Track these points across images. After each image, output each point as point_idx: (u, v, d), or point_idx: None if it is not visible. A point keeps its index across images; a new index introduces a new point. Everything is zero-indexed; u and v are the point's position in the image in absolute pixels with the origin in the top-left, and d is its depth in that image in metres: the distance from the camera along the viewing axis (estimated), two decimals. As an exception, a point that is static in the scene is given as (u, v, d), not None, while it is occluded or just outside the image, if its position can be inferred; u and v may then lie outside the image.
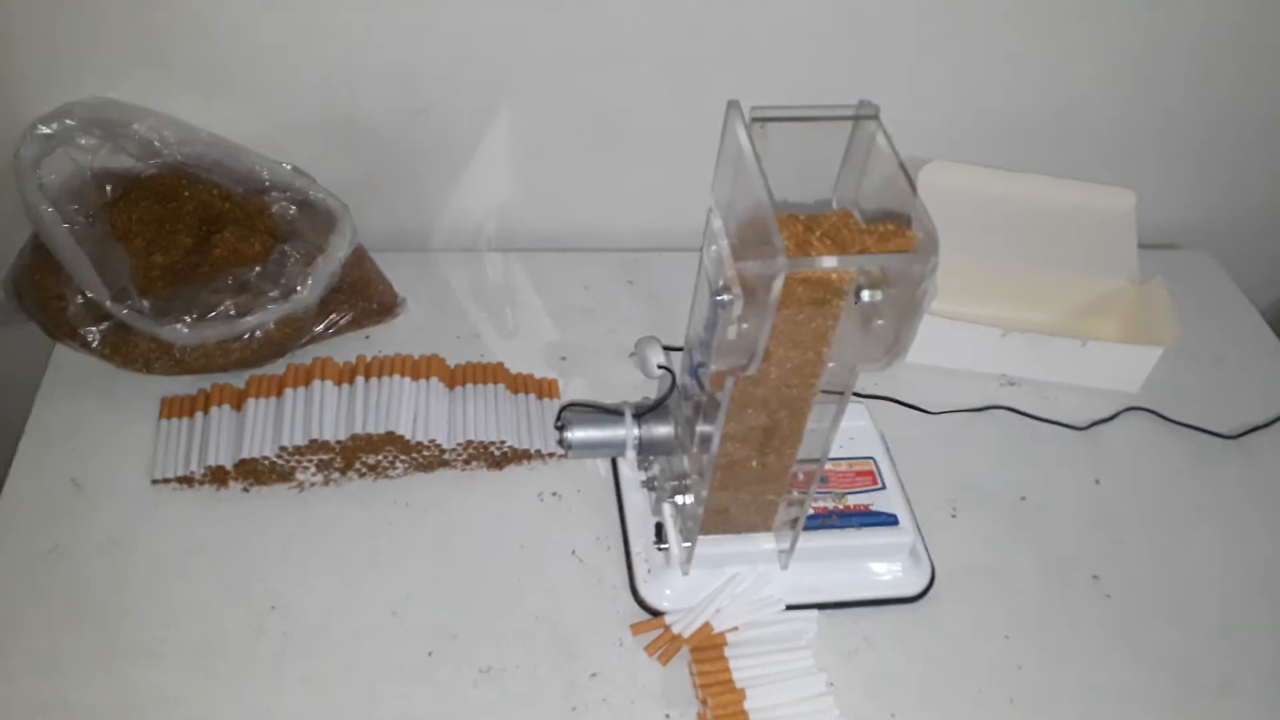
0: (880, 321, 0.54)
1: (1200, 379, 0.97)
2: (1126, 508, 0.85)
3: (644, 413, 0.70)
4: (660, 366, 0.70)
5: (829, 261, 0.49)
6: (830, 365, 0.60)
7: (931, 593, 0.77)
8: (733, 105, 0.52)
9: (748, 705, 0.68)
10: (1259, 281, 1.10)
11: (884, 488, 0.79)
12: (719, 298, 0.53)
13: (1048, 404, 0.93)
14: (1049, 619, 0.77)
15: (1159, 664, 0.75)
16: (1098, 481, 0.87)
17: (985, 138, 1.01)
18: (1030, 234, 0.99)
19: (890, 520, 0.77)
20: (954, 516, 0.83)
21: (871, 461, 0.81)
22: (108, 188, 0.85)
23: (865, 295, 0.54)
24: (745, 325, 0.53)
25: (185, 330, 0.79)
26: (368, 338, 0.91)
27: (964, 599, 0.78)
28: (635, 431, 0.70)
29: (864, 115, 0.54)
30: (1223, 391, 0.96)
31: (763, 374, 0.61)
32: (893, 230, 0.50)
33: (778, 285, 0.48)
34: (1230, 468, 0.90)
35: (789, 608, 0.75)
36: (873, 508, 0.78)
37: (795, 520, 0.72)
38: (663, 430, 0.71)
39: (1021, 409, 0.91)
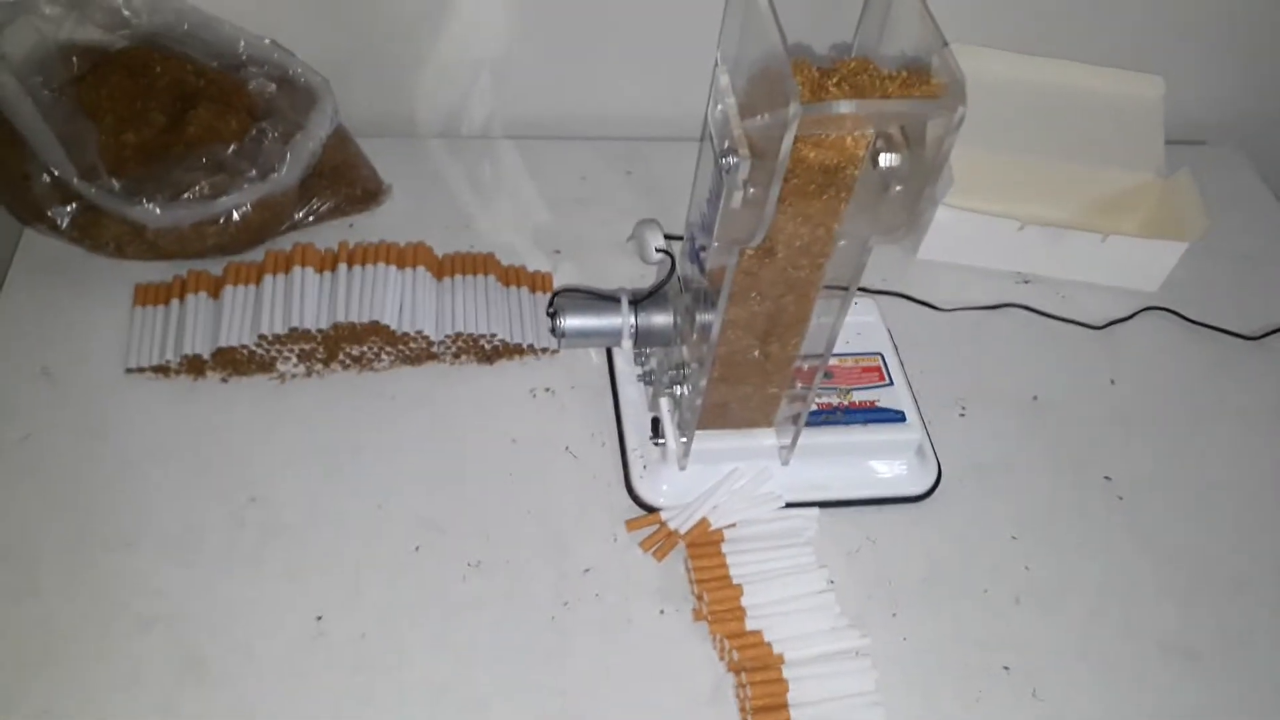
0: (898, 188, 0.50)
1: (1223, 278, 0.93)
2: (1142, 409, 0.82)
3: (641, 299, 0.66)
4: (659, 250, 0.66)
5: (845, 106, 0.45)
6: (841, 244, 0.56)
7: (938, 492, 0.75)
8: (741, -57, 0.47)
9: (745, 601, 0.66)
10: (1287, 179, 1.05)
11: (891, 384, 0.76)
12: (725, 159, 0.49)
13: (1064, 303, 0.89)
14: (1058, 520, 0.75)
15: (1169, 562, 0.73)
16: (1113, 382, 0.84)
17: (1006, 19, 0.95)
18: (1051, 123, 0.94)
19: (897, 417, 0.74)
20: (963, 415, 0.80)
21: (879, 358, 0.77)
22: (75, 61, 0.80)
23: (883, 160, 0.50)
24: (753, 190, 0.49)
25: (158, 211, 0.75)
26: (351, 226, 0.86)
27: (971, 499, 0.75)
28: (632, 319, 0.67)
29: (886, -43, 0.49)
30: (1246, 291, 0.92)
31: (768, 254, 0.57)
32: (916, 76, 0.46)
33: (790, 135, 0.43)
34: (1250, 368, 0.86)
35: (789, 505, 0.72)
36: (879, 404, 0.74)
37: (798, 416, 0.69)
38: (661, 319, 0.67)
39: (1036, 307, 0.88)
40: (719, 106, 0.50)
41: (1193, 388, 0.84)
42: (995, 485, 0.76)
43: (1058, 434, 0.80)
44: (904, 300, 0.87)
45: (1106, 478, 0.77)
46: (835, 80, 0.46)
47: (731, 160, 0.48)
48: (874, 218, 0.52)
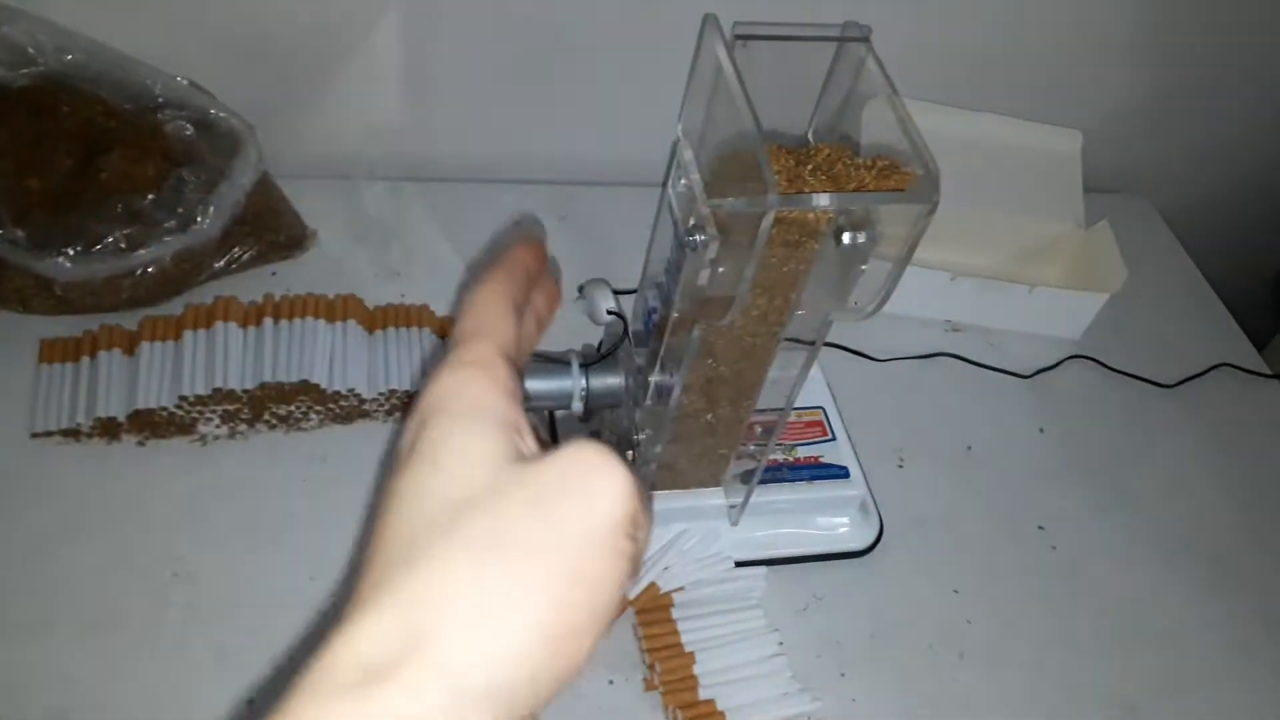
0: (863, 267, 0.50)
1: (1139, 326, 0.96)
2: (1070, 457, 0.84)
3: (593, 362, 0.65)
4: (610, 311, 0.65)
5: (824, 200, 0.44)
6: (800, 314, 0.56)
7: (880, 546, 0.75)
8: (710, 20, 0.47)
9: (698, 669, 0.65)
10: (1194, 229, 1.10)
11: (834, 439, 0.76)
12: (690, 239, 0.47)
13: (993, 351, 0.91)
14: (997, 571, 0.76)
15: (1103, 614, 0.75)
16: (1042, 430, 0.86)
17: (928, 73, 0.97)
18: (974, 175, 0.95)
19: (841, 473, 0.74)
20: (901, 466, 0.81)
21: (821, 411, 0.77)
22: (-30, 100, 0.74)
23: (846, 238, 0.50)
24: (721, 270, 0.48)
25: (68, 265, 0.70)
26: (274, 274, 0.82)
27: (912, 552, 0.76)
28: (583, 382, 0.65)
29: (853, 37, 0.49)
30: (1160, 339, 0.96)
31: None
32: (889, 165, 0.46)
33: (766, 225, 0.43)
34: (1167, 417, 0.89)
35: (737, 564, 0.71)
36: (823, 459, 0.74)
37: (748, 474, 0.68)
38: (613, 381, 0.65)
39: (968, 356, 0.89)
40: (683, 182, 0.49)
41: (1116, 436, 0.87)
42: (935, 538, 0.77)
43: (992, 484, 0.81)
44: (839, 350, 0.87)
45: (1040, 527, 0.79)
46: (811, 168, 0.45)
47: (699, 239, 0.47)
48: (839, 296, 0.52)
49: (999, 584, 0.75)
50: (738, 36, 0.46)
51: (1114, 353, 0.92)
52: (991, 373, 0.89)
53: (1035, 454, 0.84)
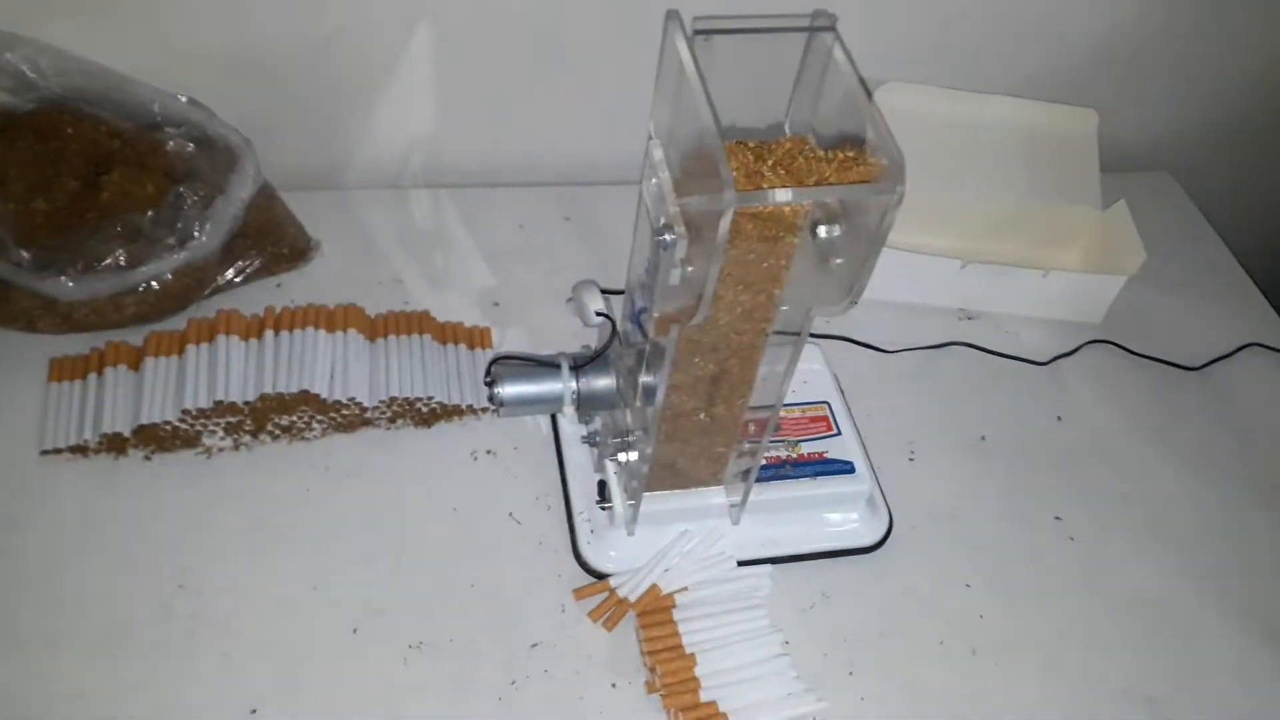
0: (839, 260, 0.49)
1: (1162, 307, 0.93)
2: (1088, 445, 0.82)
3: (582, 364, 0.64)
4: (599, 313, 0.64)
5: (783, 195, 0.43)
6: (784, 309, 0.55)
7: (889, 541, 0.74)
8: (672, 16, 0.46)
9: (699, 671, 0.64)
10: (1220, 204, 1.07)
11: (839, 434, 0.74)
12: (660, 237, 0.47)
13: (1008, 338, 0.88)
14: (1011, 564, 0.74)
15: (1123, 605, 0.73)
16: (1060, 418, 0.84)
17: (941, 56, 0.95)
18: (989, 159, 0.94)
19: (846, 468, 0.73)
20: (912, 460, 0.79)
21: (826, 406, 0.76)
22: (-23, 126, 0.76)
23: (821, 231, 0.49)
24: (691, 268, 0.47)
25: (71, 284, 0.72)
26: (278, 286, 0.83)
27: (923, 547, 0.74)
28: (573, 385, 0.65)
29: (819, 27, 0.48)
30: (1185, 320, 0.93)
31: (710, 320, 0.55)
32: (853, 157, 0.45)
33: (725, 223, 0.42)
34: (1192, 400, 0.87)
35: (741, 564, 0.70)
36: (828, 455, 0.73)
37: (747, 472, 0.67)
38: (603, 383, 0.65)
39: (981, 345, 0.87)
40: (654, 181, 0.49)
41: (1138, 423, 0.84)
42: (947, 531, 0.75)
43: (1007, 475, 0.79)
44: (848, 343, 0.86)
45: (1057, 518, 0.77)
46: (770, 163, 0.44)
47: (668, 237, 0.46)
48: (816, 289, 0.51)
49: (1013, 577, 0.73)
50: (698, 32, 0.46)
51: (1136, 336, 0.90)
52: (1007, 361, 0.87)
53: (1052, 443, 0.82)
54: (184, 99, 0.79)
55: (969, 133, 0.94)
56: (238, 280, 0.81)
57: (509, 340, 0.82)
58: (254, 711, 0.61)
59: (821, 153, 0.46)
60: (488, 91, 0.90)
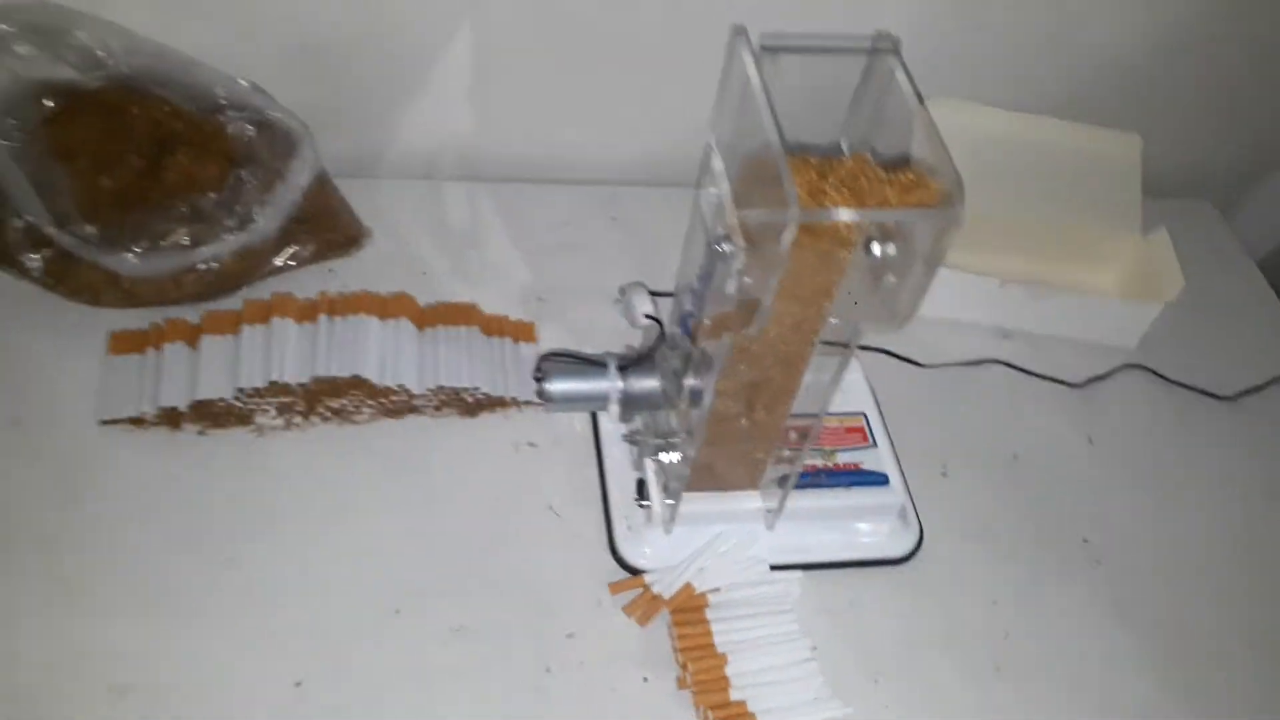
0: (892, 278, 0.50)
1: (1198, 335, 0.94)
2: (1119, 470, 0.83)
3: (629, 365, 0.66)
4: (648, 316, 0.66)
5: (846, 214, 0.44)
6: (832, 322, 0.56)
7: (919, 554, 0.75)
8: (739, 32, 0.47)
9: (729, 670, 0.66)
10: (1260, 236, 1.07)
11: (874, 445, 0.76)
12: (718, 247, 0.48)
13: (1043, 358, 0.89)
14: (1037, 584, 0.75)
15: (1148, 633, 0.73)
16: (1091, 441, 0.85)
17: (987, 75, 0.95)
18: (1030, 178, 0.94)
19: (880, 480, 0.74)
20: (944, 475, 0.80)
21: (863, 417, 0.77)
22: (46, 101, 0.78)
23: (875, 249, 0.50)
24: (747, 280, 0.48)
25: (135, 261, 0.74)
26: (331, 271, 0.85)
27: (952, 562, 0.75)
28: (619, 384, 0.66)
29: (882, 48, 0.49)
30: (1220, 349, 0.93)
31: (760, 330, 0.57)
32: (914, 179, 0.46)
33: (788, 238, 0.43)
34: (1224, 429, 0.87)
35: (773, 568, 0.72)
36: (863, 466, 0.74)
37: (785, 479, 0.69)
38: (648, 384, 0.66)
39: (1017, 363, 0.88)
40: (712, 191, 0.50)
41: (1170, 449, 0.85)
42: (976, 548, 0.76)
43: (1037, 495, 0.80)
44: (885, 355, 0.87)
45: (1085, 540, 0.78)
46: (833, 181, 0.46)
47: (726, 248, 0.48)
48: (866, 306, 0.52)
49: (1040, 597, 0.74)
50: (765, 48, 0.47)
51: (1171, 363, 0.90)
52: (1041, 381, 0.88)
53: (1083, 465, 0.83)
54: (246, 83, 0.81)
55: (1012, 151, 0.94)
56: (292, 264, 0.83)
57: (551, 335, 0.83)
58: (299, 684, 0.63)
59: (883, 174, 0.47)
60: (534, 88, 0.91)
